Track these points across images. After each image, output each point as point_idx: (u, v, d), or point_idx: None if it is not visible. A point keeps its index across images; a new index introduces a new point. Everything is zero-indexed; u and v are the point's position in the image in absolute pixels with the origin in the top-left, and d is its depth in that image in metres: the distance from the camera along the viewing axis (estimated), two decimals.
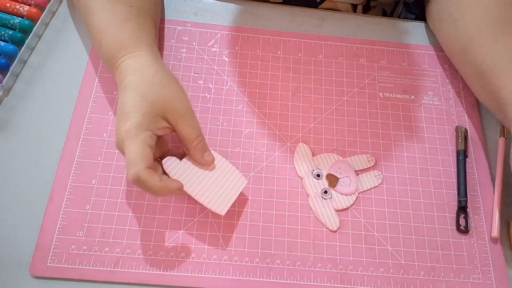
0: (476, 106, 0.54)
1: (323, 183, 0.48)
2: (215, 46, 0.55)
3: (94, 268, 0.42)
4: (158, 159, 0.43)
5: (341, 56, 0.56)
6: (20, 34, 0.51)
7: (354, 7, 0.63)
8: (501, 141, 0.51)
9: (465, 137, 0.51)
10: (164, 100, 0.40)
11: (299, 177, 0.48)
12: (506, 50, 0.47)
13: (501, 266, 0.45)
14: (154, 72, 0.42)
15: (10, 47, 0.50)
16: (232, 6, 0.58)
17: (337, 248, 0.45)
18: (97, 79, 0.51)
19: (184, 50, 0.54)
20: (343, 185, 0.48)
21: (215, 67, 0.54)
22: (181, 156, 0.43)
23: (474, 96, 0.54)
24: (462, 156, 0.50)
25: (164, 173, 0.42)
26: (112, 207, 0.45)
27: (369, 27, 0.59)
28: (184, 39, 0.55)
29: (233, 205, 0.44)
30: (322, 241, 0.45)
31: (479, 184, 0.49)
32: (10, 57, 0.51)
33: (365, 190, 0.48)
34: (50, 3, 0.54)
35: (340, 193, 0.47)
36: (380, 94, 0.54)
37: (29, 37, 0.52)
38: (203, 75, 0.53)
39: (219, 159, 0.44)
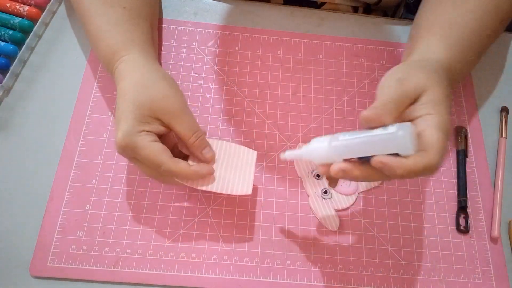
0: (476, 106, 0.54)
1: (323, 183, 0.48)
2: (215, 46, 0.55)
3: (94, 268, 0.42)
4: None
5: (341, 56, 0.56)
6: (20, 34, 0.51)
7: (355, 10, 0.63)
8: (501, 141, 0.51)
9: (465, 137, 0.51)
10: (151, 101, 0.40)
11: (299, 177, 0.48)
12: (441, 14, 0.46)
13: (501, 266, 0.45)
14: (141, 75, 0.42)
15: (10, 47, 0.50)
16: (232, 6, 0.58)
17: (337, 248, 0.45)
18: (97, 79, 0.51)
19: (184, 50, 0.54)
20: (343, 185, 0.48)
21: (215, 67, 0.54)
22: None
23: (474, 96, 0.54)
24: (462, 156, 0.50)
25: None
26: (112, 207, 0.45)
27: (369, 27, 0.59)
28: (184, 39, 0.55)
29: (233, 205, 0.45)
30: (322, 241, 0.45)
31: (479, 184, 0.49)
32: (10, 57, 0.51)
33: (365, 190, 0.48)
34: (50, 3, 0.54)
35: (340, 193, 0.47)
36: None
37: (29, 37, 0.52)
38: (203, 75, 0.53)
39: (220, 144, 0.44)
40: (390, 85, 0.37)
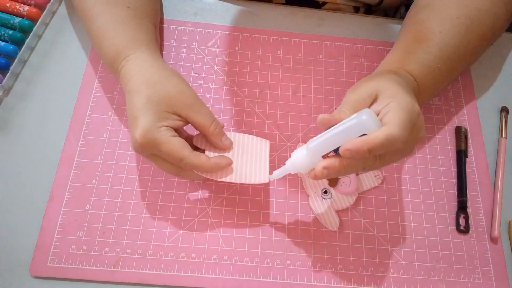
0: (476, 106, 0.54)
1: (323, 183, 0.48)
2: (215, 46, 0.55)
3: (94, 268, 0.42)
4: None
5: (341, 56, 0.56)
6: (20, 34, 0.51)
7: (357, 10, 0.63)
8: (501, 141, 0.51)
9: (465, 137, 0.51)
10: (169, 97, 0.41)
11: (299, 177, 0.48)
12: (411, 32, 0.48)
13: (501, 266, 0.45)
14: (153, 72, 0.42)
15: (10, 47, 0.50)
16: (232, 6, 0.58)
17: (337, 248, 0.45)
18: (97, 79, 0.51)
19: (184, 50, 0.54)
20: (343, 185, 0.47)
21: (215, 67, 0.54)
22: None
23: (474, 96, 0.54)
24: (462, 156, 0.50)
25: None
26: (112, 207, 0.45)
27: (369, 27, 0.59)
28: (184, 39, 0.55)
29: (233, 205, 0.44)
30: (322, 241, 0.45)
31: (479, 184, 0.49)
32: (10, 57, 0.51)
33: (365, 190, 0.48)
34: (50, 3, 0.54)
35: (340, 193, 0.47)
36: None
37: (29, 37, 0.52)
38: (203, 75, 0.53)
39: (233, 135, 0.44)
40: (345, 96, 0.40)
